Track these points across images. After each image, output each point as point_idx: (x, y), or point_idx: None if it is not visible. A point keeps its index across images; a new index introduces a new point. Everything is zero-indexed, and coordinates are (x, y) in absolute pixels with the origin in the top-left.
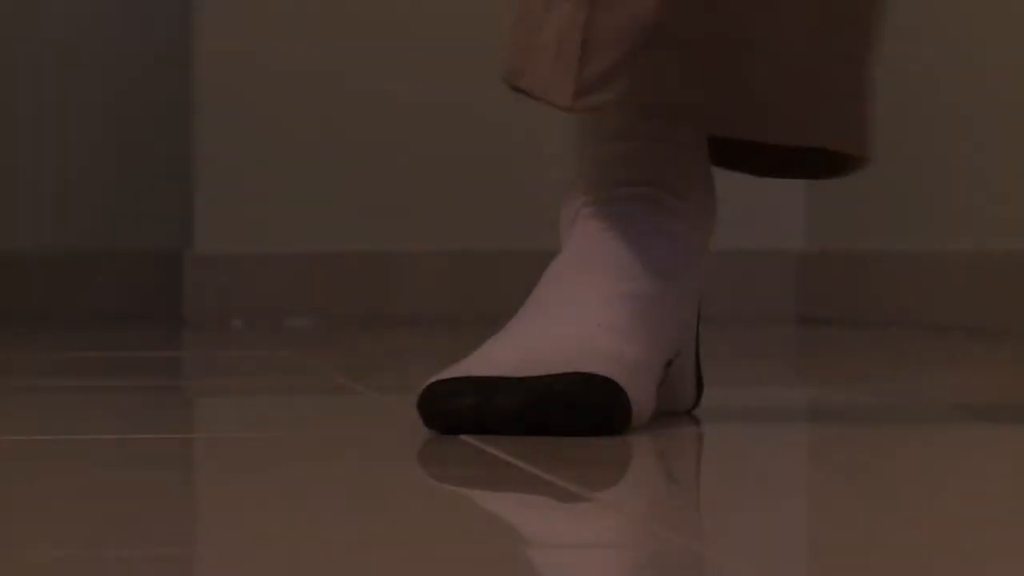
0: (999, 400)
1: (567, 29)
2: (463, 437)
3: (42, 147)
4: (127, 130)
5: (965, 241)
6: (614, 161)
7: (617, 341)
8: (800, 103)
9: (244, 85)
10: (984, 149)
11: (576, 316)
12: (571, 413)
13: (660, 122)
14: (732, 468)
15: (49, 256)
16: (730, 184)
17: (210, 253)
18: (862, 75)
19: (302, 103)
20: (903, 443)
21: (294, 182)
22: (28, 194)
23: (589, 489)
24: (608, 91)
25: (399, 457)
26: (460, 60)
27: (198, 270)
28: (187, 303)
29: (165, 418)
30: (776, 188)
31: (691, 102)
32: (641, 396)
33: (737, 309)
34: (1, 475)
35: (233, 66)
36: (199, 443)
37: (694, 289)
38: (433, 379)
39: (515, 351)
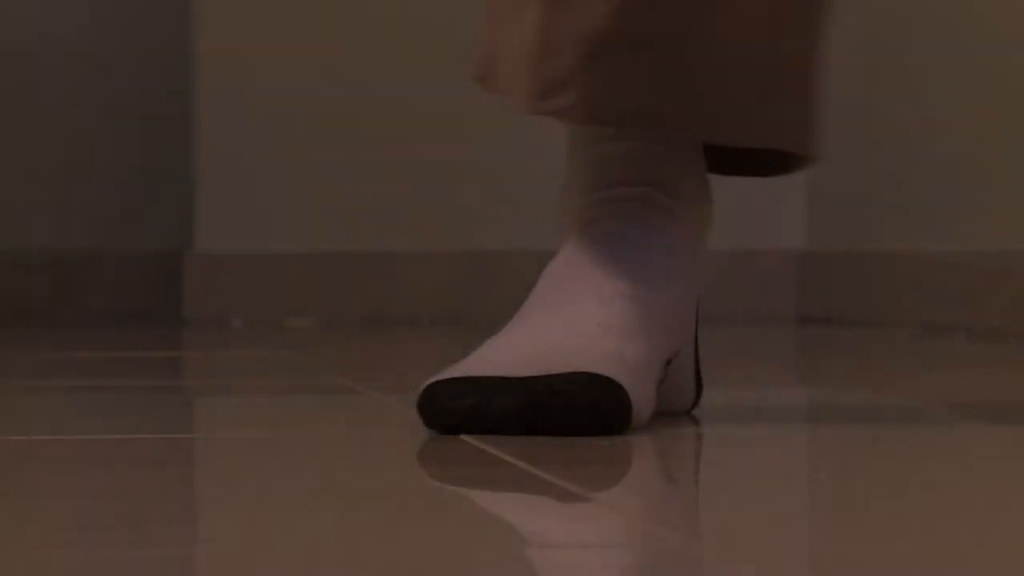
0: (999, 400)
1: (529, 32)
2: (463, 437)
3: (42, 147)
4: (127, 130)
5: (965, 241)
6: (611, 161)
7: (617, 341)
8: (748, 104)
9: (245, 86)
10: (984, 149)
11: (576, 316)
12: (571, 413)
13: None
14: (732, 468)
15: (49, 256)
16: (730, 184)
17: (210, 253)
18: (808, 75)
19: (302, 104)
20: (903, 443)
21: (294, 182)
22: (28, 194)
23: (589, 489)
24: (565, 95)
25: (399, 457)
26: (460, 61)
27: (198, 270)
28: (187, 303)
29: (165, 418)
30: (776, 188)
31: (644, 106)
32: (641, 396)
33: (737, 309)
34: (1, 475)
35: (234, 67)
36: (199, 443)
37: (693, 288)
38: (433, 379)
39: (515, 351)
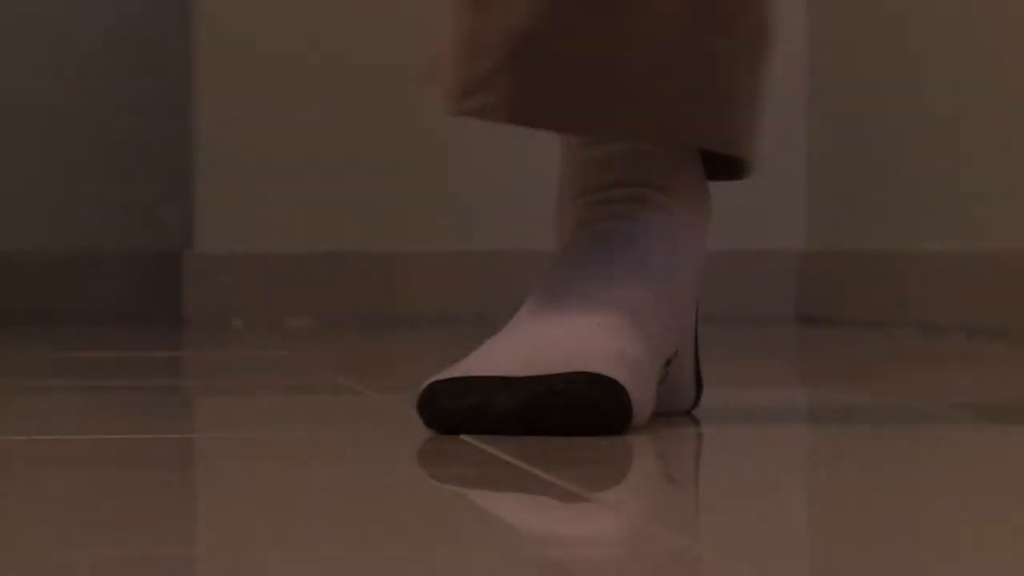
0: (999, 400)
1: (456, 33)
2: (463, 437)
3: (42, 147)
4: (127, 130)
5: (965, 241)
6: (608, 162)
7: (617, 340)
8: (671, 104)
9: (245, 85)
10: (984, 149)
11: (575, 316)
12: (572, 412)
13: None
14: (732, 468)
15: (49, 256)
16: (730, 184)
17: (210, 253)
18: (735, 75)
19: (302, 104)
20: (903, 443)
21: (294, 182)
22: (28, 194)
23: (589, 489)
24: (487, 95)
25: (399, 457)
26: None
27: (198, 270)
28: (187, 303)
29: (165, 418)
30: (776, 188)
31: (566, 107)
32: (642, 395)
33: (737, 309)
34: (2, 475)
35: (234, 66)
36: (199, 443)
37: (692, 287)
38: (433, 379)
39: (515, 351)
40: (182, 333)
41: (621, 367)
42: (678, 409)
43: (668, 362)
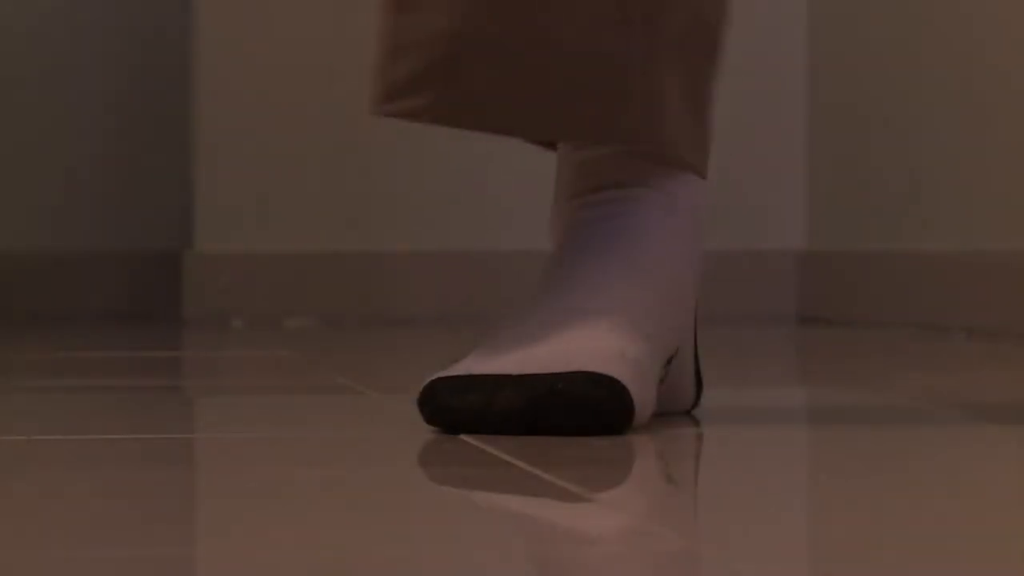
0: (999, 400)
1: (380, 35)
2: (463, 437)
3: (42, 147)
4: (127, 130)
5: (965, 241)
6: (601, 163)
7: (617, 340)
8: (595, 104)
9: (244, 85)
10: (984, 149)
11: (574, 316)
12: (574, 412)
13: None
14: (732, 468)
15: (49, 256)
16: (730, 185)
17: (210, 253)
18: (660, 76)
19: (302, 104)
20: (903, 443)
21: (294, 182)
22: (28, 194)
23: (589, 489)
24: (416, 98)
25: (399, 457)
26: None
27: (198, 270)
28: (187, 303)
29: (165, 418)
30: (776, 188)
31: (489, 109)
32: (642, 395)
33: (737, 309)
34: (2, 475)
35: (234, 66)
36: (199, 443)
37: (690, 285)
38: (434, 376)
39: (515, 350)
40: (182, 333)
41: (622, 367)
42: (678, 409)
43: (668, 361)
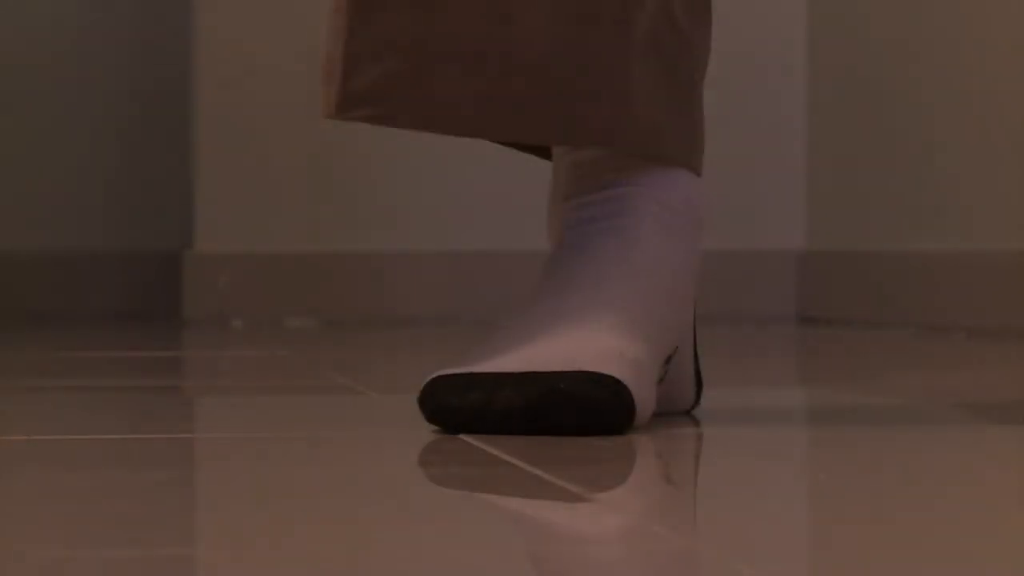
0: (999, 400)
1: (335, 41)
2: (463, 437)
3: (42, 147)
4: (127, 131)
5: (965, 241)
6: (596, 163)
7: (616, 340)
8: (560, 104)
9: (244, 85)
10: (984, 150)
11: (573, 316)
12: (575, 411)
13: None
14: (732, 468)
15: (49, 256)
16: (731, 185)
17: (210, 253)
18: (633, 75)
19: (302, 104)
20: (903, 443)
21: (294, 182)
22: (28, 194)
23: (589, 489)
24: (380, 103)
25: (399, 457)
26: None
27: (198, 270)
28: (187, 303)
29: (165, 418)
30: (776, 188)
31: (452, 111)
32: (643, 395)
33: (737, 309)
34: (1, 475)
35: (234, 66)
36: (199, 443)
37: (688, 284)
38: (434, 375)
39: (515, 349)
40: (182, 333)
41: (622, 366)
42: (679, 408)
43: (668, 360)
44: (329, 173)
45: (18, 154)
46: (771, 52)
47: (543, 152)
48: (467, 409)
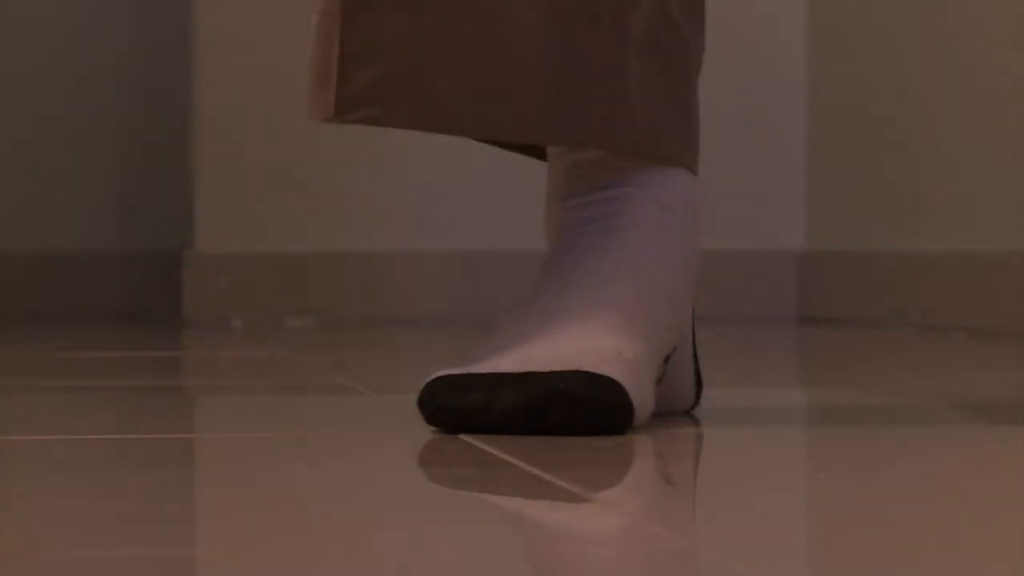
0: (999, 400)
1: (326, 45)
2: (463, 437)
3: (42, 147)
4: (127, 130)
5: (965, 241)
6: (593, 164)
7: (616, 340)
8: (552, 106)
9: (244, 85)
10: (984, 149)
11: (572, 316)
12: (575, 412)
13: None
14: (732, 468)
15: (49, 256)
16: (730, 185)
17: (210, 253)
18: (628, 77)
19: (302, 104)
20: (903, 443)
21: (294, 182)
22: (28, 194)
23: (589, 489)
24: (375, 104)
25: (399, 457)
26: None
27: (198, 270)
28: (187, 303)
29: (165, 418)
30: (776, 188)
31: (445, 112)
32: (642, 395)
33: (737, 309)
34: (2, 475)
35: (234, 66)
36: (199, 443)
37: (686, 283)
38: (434, 376)
39: (514, 349)
40: (182, 333)
41: (621, 367)
42: (678, 408)
43: (666, 360)
44: (329, 173)
45: (18, 154)
46: (771, 51)
47: (537, 153)
48: (467, 409)
